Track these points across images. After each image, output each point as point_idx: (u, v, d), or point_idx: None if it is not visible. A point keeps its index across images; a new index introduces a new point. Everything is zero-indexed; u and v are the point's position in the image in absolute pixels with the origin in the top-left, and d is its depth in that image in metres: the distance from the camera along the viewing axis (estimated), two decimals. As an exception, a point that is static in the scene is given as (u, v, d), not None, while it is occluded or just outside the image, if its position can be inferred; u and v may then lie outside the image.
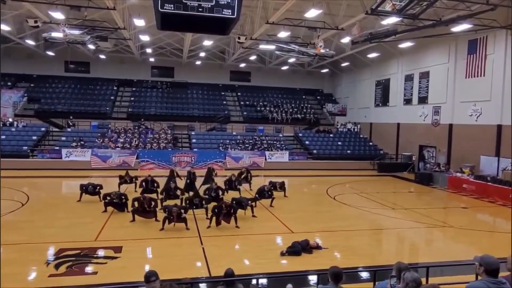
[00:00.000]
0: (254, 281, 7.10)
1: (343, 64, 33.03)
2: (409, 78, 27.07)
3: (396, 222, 13.54)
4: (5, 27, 22.64)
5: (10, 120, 28.19)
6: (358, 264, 9.00)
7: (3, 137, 25.69)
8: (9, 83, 32.02)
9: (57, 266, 8.39)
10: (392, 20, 17.03)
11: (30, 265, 8.49)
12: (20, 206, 14.22)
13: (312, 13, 17.44)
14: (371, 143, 31.44)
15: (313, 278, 7.83)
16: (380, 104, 30.83)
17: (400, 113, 28.02)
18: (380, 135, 30.90)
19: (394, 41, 22.17)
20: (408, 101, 27.20)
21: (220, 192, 14.35)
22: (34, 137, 26.50)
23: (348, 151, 30.14)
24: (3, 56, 30.42)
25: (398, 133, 28.46)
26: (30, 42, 26.61)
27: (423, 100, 25.60)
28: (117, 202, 13.25)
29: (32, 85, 32.76)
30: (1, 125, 26.09)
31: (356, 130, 33.45)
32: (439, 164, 23.26)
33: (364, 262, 9.18)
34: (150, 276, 4.29)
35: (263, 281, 7.79)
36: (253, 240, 10.73)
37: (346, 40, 22.73)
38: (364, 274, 8.29)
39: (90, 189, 14.89)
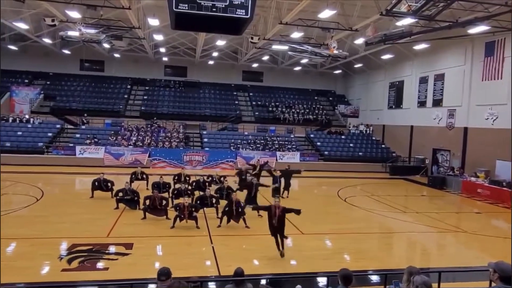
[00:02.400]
0: (263, 281, 7.11)
1: (356, 65, 32.80)
2: (423, 80, 26.73)
3: (407, 225, 13.39)
4: (23, 26, 23.09)
5: (27, 116, 28.73)
6: (368, 267, 8.93)
7: (19, 133, 26.23)
8: (26, 80, 32.67)
9: (70, 261, 8.52)
10: (407, 21, 16.84)
11: (44, 259, 8.64)
12: (35, 201, 14.48)
13: (326, 14, 17.36)
14: (383, 146, 31.14)
15: (322, 280, 7.80)
16: (394, 106, 30.52)
17: (414, 116, 27.68)
18: (393, 137, 30.59)
19: (409, 42, 21.93)
20: (422, 104, 26.86)
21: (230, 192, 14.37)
22: (50, 134, 26.97)
23: (360, 153, 29.90)
24: (20, 54, 31.09)
25: (412, 135, 28.12)
26: (47, 40, 27.08)
27: (437, 102, 25.25)
28: (128, 199, 13.39)
29: (48, 82, 33.32)
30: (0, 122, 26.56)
31: (368, 132, 33.18)
32: (453, 168, 22.90)
33: (374, 265, 9.10)
34: (162, 275, 4.33)
35: (272, 281, 7.78)
36: (263, 240, 10.71)
37: (360, 41, 22.57)
38: (374, 278, 8.23)
39: (102, 185, 15.10)
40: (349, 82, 38.84)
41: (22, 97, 30.58)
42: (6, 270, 7.97)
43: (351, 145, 30.85)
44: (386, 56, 27.85)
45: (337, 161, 28.29)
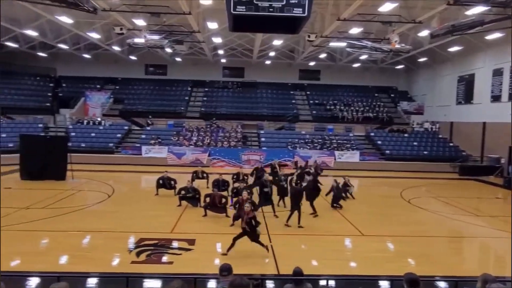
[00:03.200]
0: (322, 282, 7.01)
1: (421, 60, 31.04)
2: (497, 73, 24.56)
3: (479, 230, 12.41)
4: (95, 35, 25.05)
5: (99, 119, 31.06)
6: (435, 273, 8.40)
7: (92, 134, 28.46)
8: (98, 86, 35.35)
9: (138, 254, 9.08)
10: (478, 9, 15.58)
11: (115, 252, 9.29)
12: (107, 198, 15.62)
13: (387, 7, 16.65)
14: (451, 144, 29.16)
15: (384, 284, 7.51)
16: (463, 102, 28.42)
17: (487, 111, 25.52)
18: (462, 135, 28.51)
19: (480, 32, 20.26)
20: (496, 98, 24.70)
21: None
22: (118, 135, 28.94)
23: (425, 152, 28.30)
24: (93, 61, 33.70)
25: (484, 133, 25.97)
26: (116, 48, 29.08)
27: (514, 96, 23.07)
28: (190, 196, 13.94)
29: (117, 87, 35.77)
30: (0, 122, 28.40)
31: (434, 129, 31.25)
32: (533, 168, 20.81)
33: (442, 271, 8.56)
34: (224, 270, 4.45)
35: (332, 283, 7.64)
36: (322, 241, 10.58)
37: (424, 33, 21.34)
38: (443, 284, 7.75)
39: (166, 183, 15.88)
40: (412, 77, 36.90)
41: (95, 101, 33.14)
42: (82, 260, 8.72)
43: (415, 143, 29.29)
44: (454, 48, 26.01)
45: (400, 161, 27.05)
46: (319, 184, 14.03)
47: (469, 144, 27.22)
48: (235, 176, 16.94)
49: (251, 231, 9.01)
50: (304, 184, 14.05)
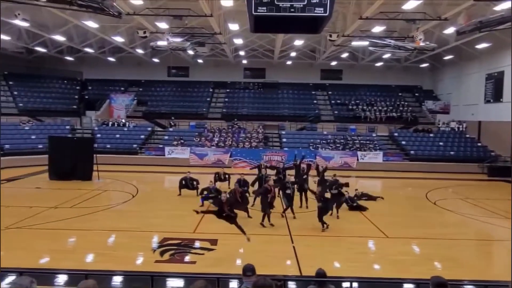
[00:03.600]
0: (345, 285, 6.92)
1: (446, 57, 30.20)
2: (528, 70, 23.63)
3: (509, 233, 11.94)
4: (119, 39, 25.65)
5: (123, 121, 31.76)
6: (463, 277, 8.16)
7: (117, 135, 29.11)
8: (122, 88, 36.15)
9: (162, 253, 9.22)
10: (507, 4, 15.03)
11: (139, 250, 9.47)
12: (131, 198, 15.95)
13: (411, 4, 16.29)
14: (479, 144, 28.23)
15: (409, 287, 7.35)
16: (492, 100, 27.47)
17: (517, 110, 24.59)
18: (491, 134, 27.54)
19: (509, 28, 19.53)
20: (526, 96, 23.76)
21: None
22: (142, 136, 29.49)
23: (452, 153, 27.52)
24: (118, 64, 34.49)
25: (514, 132, 25.02)
26: (140, 51, 29.67)
27: (546, 94, 22.13)
28: (213, 197, 14.06)
29: (140, 89, 36.45)
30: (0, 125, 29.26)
31: (461, 129, 30.33)
32: None
33: (471, 275, 8.30)
34: (248, 270, 4.46)
35: (355, 285, 7.55)
36: (345, 242, 10.46)
37: (450, 30, 20.74)
38: (471, 288, 7.51)
39: (188, 183, 16.10)
40: (437, 75, 35.95)
41: (119, 103, 33.90)
42: (108, 258, 8.94)
43: (441, 143, 28.53)
44: (482, 45, 25.17)
45: (425, 161, 26.42)
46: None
47: (499, 144, 26.24)
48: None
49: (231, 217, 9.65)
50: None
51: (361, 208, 14.14)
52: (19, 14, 17.83)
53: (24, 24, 19.92)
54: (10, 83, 31.20)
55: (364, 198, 15.59)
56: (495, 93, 27.03)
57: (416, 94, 36.12)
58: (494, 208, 15.18)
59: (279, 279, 6.04)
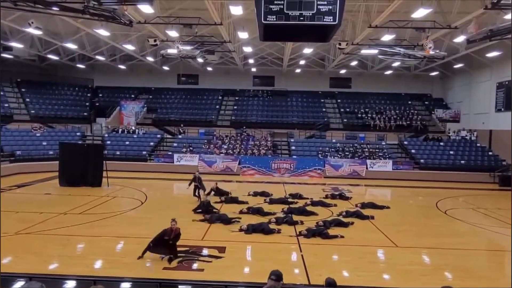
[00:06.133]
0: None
1: (456, 66, 30.00)
2: (540, 78, 23.34)
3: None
4: (130, 47, 26.02)
5: (133, 128, 32.04)
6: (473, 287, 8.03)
7: (127, 142, 29.35)
8: (132, 95, 36.55)
9: (169, 260, 9.21)
10: (518, 13, 14.92)
11: (148, 257, 9.47)
12: (140, 204, 16.02)
13: (420, 13, 16.24)
14: (490, 153, 27.86)
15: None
16: (503, 109, 27.14)
17: (529, 119, 24.24)
18: (502, 143, 27.14)
19: (520, 36, 19.37)
20: (539, 105, 23.44)
21: None
22: (152, 143, 29.70)
23: (462, 161, 27.19)
24: (128, 72, 34.91)
25: (526, 141, 24.64)
26: (150, 59, 30.03)
27: (559, 103, 21.81)
28: (205, 210, 14.14)
29: (150, 96, 36.82)
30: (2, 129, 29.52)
31: (472, 138, 30.00)
32: None
33: (483, 285, 8.15)
34: (271, 274, 4.51)
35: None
36: (354, 251, 10.35)
37: (460, 39, 20.64)
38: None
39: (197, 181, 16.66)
40: (447, 84, 35.69)
41: (129, 111, 34.25)
42: (117, 265, 8.96)
43: (451, 152, 28.22)
44: (492, 54, 24.97)
45: (435, 170, 26.17)
46: None
47: (510, 153, 25.88)
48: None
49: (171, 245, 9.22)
50: None
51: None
52: (32, 23, 18.18)
53: (37, 32, 20.33)
54: (23, 90, 31.74)
55: (368, 207, 15.50)
56: (506, 102, 26.71)
57: (426, 103, 35.88)
58: (506, 218, 14.90)
59: (289, 287, 6.01)
